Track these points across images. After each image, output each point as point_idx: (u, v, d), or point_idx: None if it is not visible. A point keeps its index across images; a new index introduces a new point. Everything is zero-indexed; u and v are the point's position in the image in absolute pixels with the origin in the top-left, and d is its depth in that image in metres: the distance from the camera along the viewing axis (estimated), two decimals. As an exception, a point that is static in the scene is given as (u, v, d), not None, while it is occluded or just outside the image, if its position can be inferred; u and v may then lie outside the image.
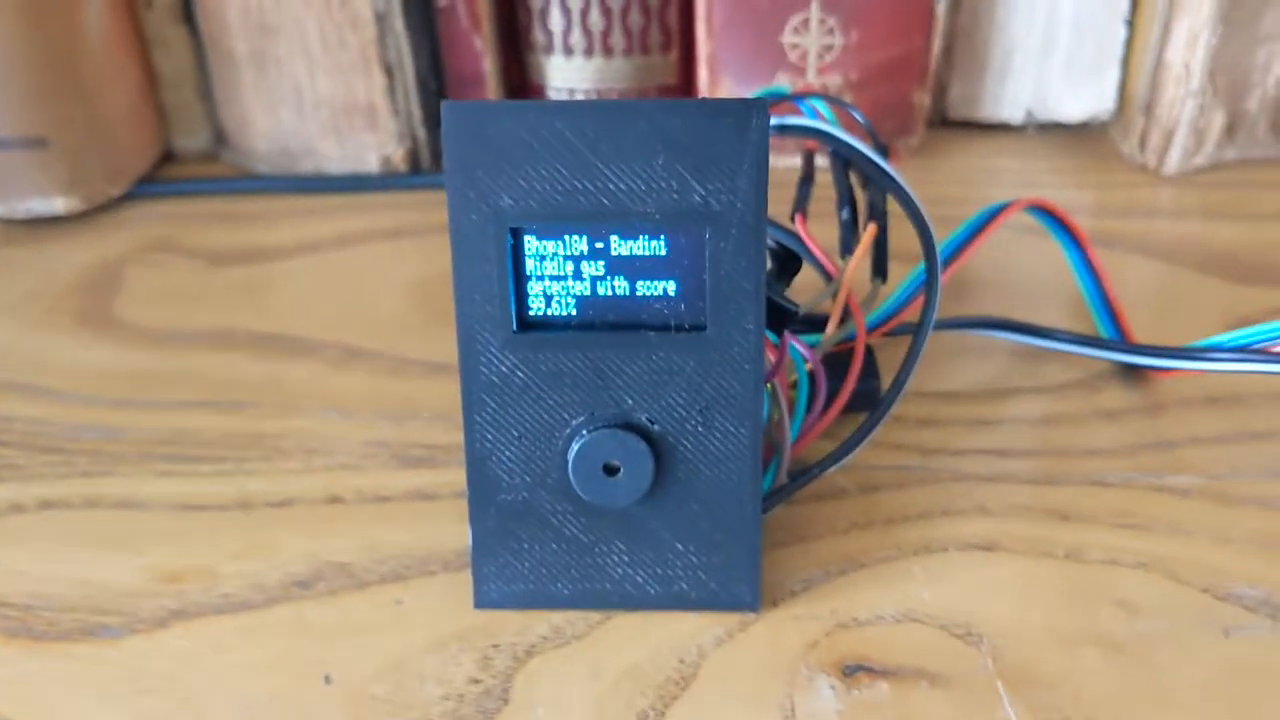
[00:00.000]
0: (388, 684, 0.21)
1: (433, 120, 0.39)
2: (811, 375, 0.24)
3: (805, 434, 0.24)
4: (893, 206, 0.27)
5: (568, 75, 0.38)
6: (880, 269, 0.27)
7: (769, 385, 0.23)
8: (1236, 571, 0.23)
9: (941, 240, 0.26)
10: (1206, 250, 0.34)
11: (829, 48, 0.36)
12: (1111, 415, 0.27)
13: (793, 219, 0.27)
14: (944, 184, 0.38)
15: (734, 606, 0.22)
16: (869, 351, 0.27)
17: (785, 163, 0.35)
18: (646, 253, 0.20)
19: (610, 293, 0.21)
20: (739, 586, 0.22)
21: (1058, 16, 0.38)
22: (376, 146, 0.38)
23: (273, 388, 0.30)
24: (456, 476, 0.26)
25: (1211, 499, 0.25)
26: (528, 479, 0.22)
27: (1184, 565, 0.23)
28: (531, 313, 0.21)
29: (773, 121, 0.28)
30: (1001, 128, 0.41)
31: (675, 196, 0.20)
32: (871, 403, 0.27)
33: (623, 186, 0.20)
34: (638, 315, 0.21)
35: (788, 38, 0.36)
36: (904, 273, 0.28)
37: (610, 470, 0.21)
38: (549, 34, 0.38)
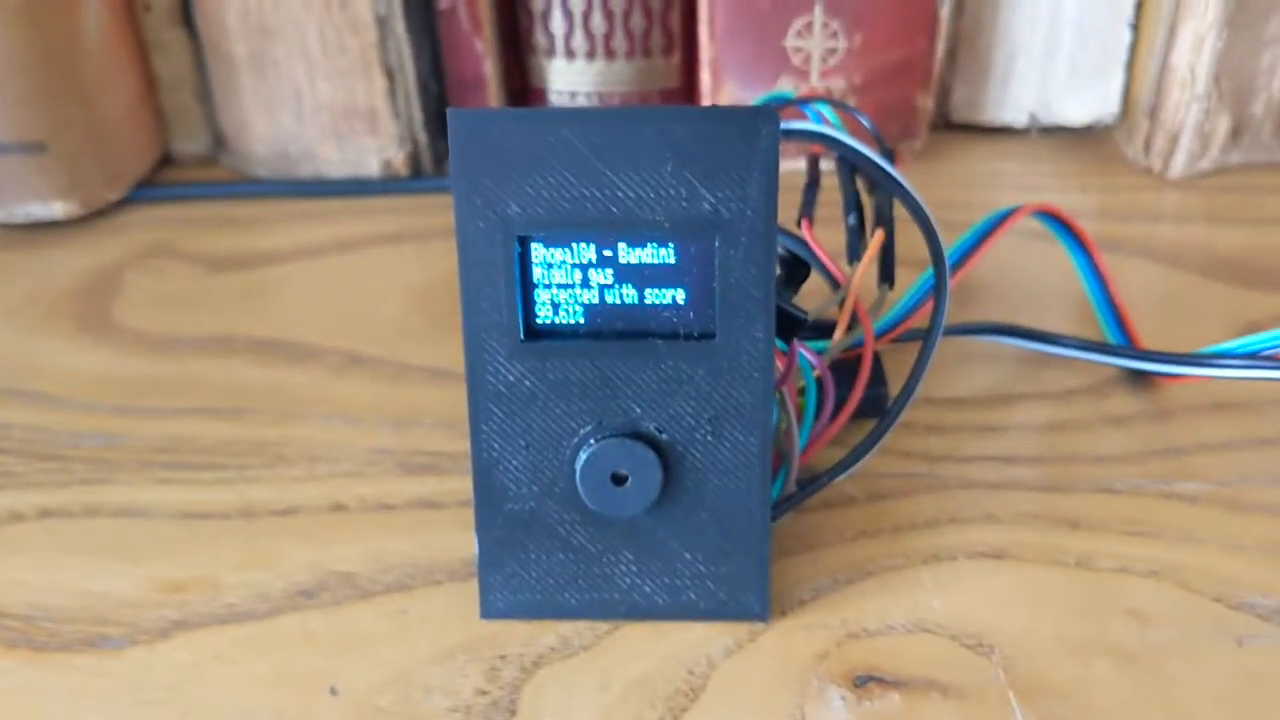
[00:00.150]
0: (393, 695, 0.21)
1: (434, 124, 0.39)
2: (819, 382, 0.24)
3: (813, 442, 0.24)
4: (898, 211, 0.27)
5: (569, 78, 0.38)
6: (887, 275, 0.26)
7: (777, 393, 0.23)
8: (1248, 580, 0.23)
9: (948, 246, 0.26)
10: (1211, 255, 0.34)
11: (832, 51, 0.36)
12: (1119, 422, 0.27)
13: (798, 224, 0.27)
14: (947, 188, 0.38)
15: (743, 616, 0.22)
16: (875, 358, 0.27)
17: (789, 167, 0.35)
18: (655, 261, 0.20)
19: (618, 301, 0.21)
20: (748, 596, 0.22)
21: (1061, 20, 0.38)
22: (377, 150, 0.38)
23: (274, 394, 0.29)
24: (461, 484, 0.26)
25: (1221, 506, 0.25)
26: (535, 488, 0.22)
27: (1195, 574, 0.23)
28: (539, 321, 0.21)
29: (778, 126, 0.27)
30: (1005, 131, 0.40)
31: (684, 204, 0.20)
32: (878, 409, 0.27)
33: (631, 194, 0.20)
34: (646, 324, 0.21)
35: (791, 41, 0.36)
36: (911, 278, 0.27)
37: (618, 479, 0.21)
38: (551, 37, 0.37)
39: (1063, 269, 0.31)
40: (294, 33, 0.36)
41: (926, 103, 0.38)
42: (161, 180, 0.40)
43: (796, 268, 0.25)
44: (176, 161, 0.41)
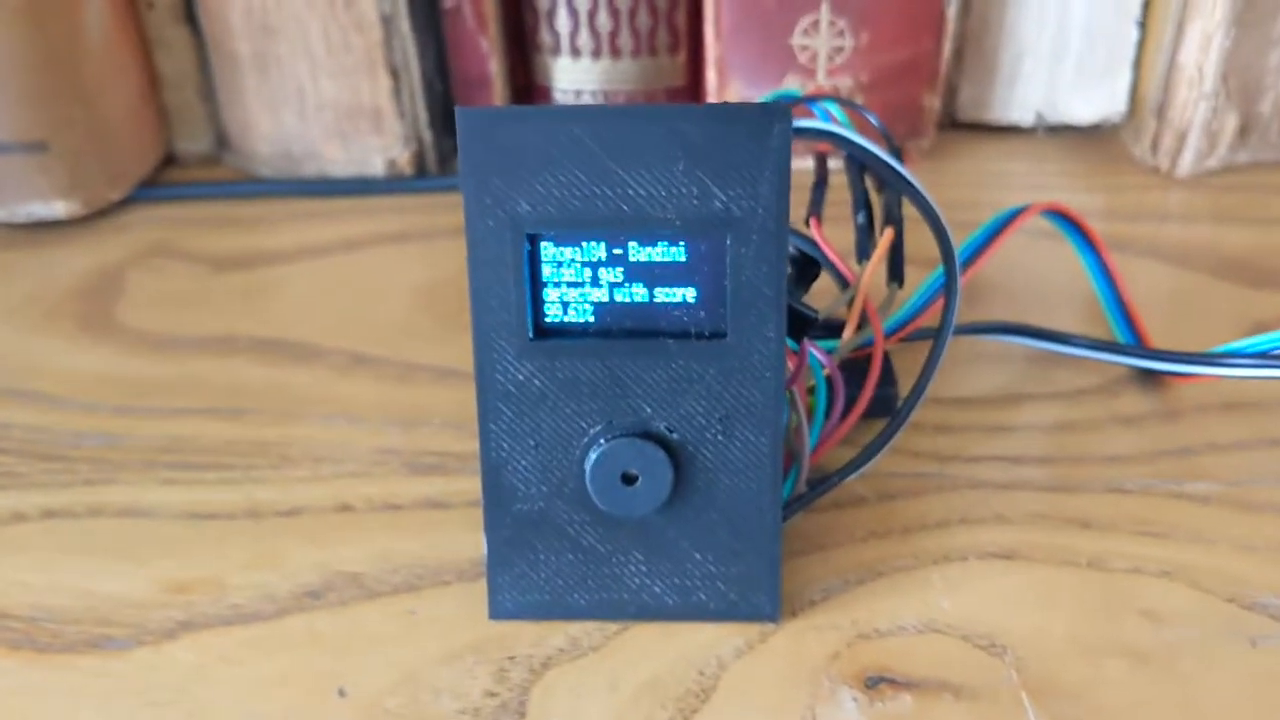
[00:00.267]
0: (402, 697, 0.21)
1: (439, 123, 0.39)
2: (829, 382, 0.24)
3: (823, 441, 0.24)
4: (905, 210, 0.27)
5: (575, 76, 0.38)
6: (897, 273, 0.26)
7: (787, 392, 0.22)
8: (1261, 581, 0.23)
9: (956, 245, 0.26)
10: (1219, 254, 0.34)
11: (839, 50, 0.36)
12: (1129, 421, 0.27)
13: (807, 223, 0.27)
14: (954, 187, 0.38)
15: (753, 617, 0.22)
16: (885, 357, 0.27)
17: (797, 166, 0.34)
18: (666, 259, 0.20)
19: (629, 300, 0.20)
20: (758, 597, 0.22)
21: (1068, 19, 0.38)
22: (382, 149, 0.38)
23: (278, 394, 0.29)
24: (469, 485, 0.26)
25: (1232, 506, 0.25)
26: (544, 488, 0.21)
27: (1207, 574, 0.23)
28: (548, 320, 0.21)
29: (786, 124, 0.27)
30: (1011, 130, 0.40)
31: (695, 202, 0.20)
32: (887, 409, 0.27)
33: (642, 192, 0.20)
34: (656, 322, 0.21)
35: (797, 39, 0.36)
36: (919, 278, 0.27)
37: (628, 479, 0.21)
38: (556, 35, 0.37)
39: (1071, 268, 0.31)
40: (298, 31, 0.36)
41: (933, 102, 0.38)
42: (164, 180, 0.40)
43: (807, 266, 0.25)
44: (179, 161, 0.41)
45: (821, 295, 0.27)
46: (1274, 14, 0.34)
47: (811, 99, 0.29)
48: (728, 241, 0.20)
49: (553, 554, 0.22)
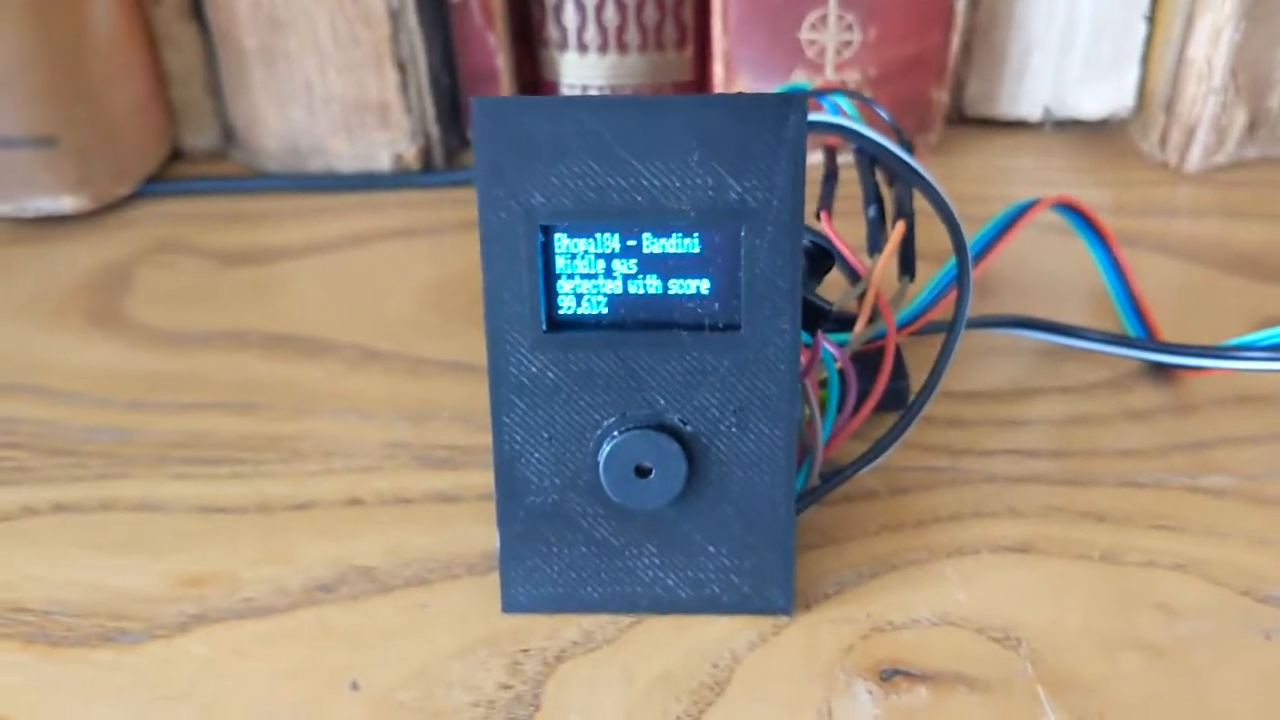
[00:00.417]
0: (415, 690, 0.21)
1: (446, 117, 0.39)
2: (842, 375, 0.24)
3: (836, 435, 0.24)
4: (916, 204, 0.27)
5: (581, 72, 0.38)
6: (908, 267, 0.26)
7: (800, 385, 0.22)
8: (1275, 574, 0.23)
9: (967, 239, 0.26)
10: (1228, 249, 0.34)
11: (847, 44, 0.36)
12: (1141, 415, 0.27)
13: (817, 216, 0.27)
14: (962, 182, 0.37)
15: (767, 610, 0.22)
16: (896, 351, 0.27)
17: (807, 160, 0.34)
18: (680, 250, 0.20)
19: (642, 291, 0.20)
20: (772, 589, 0.22)
21: (1077, 13, 0.38)
22: (389, 144, 0.38)
23: (287, 389, 0.29)
24: (479, 478, 0.26)
25: (1247, 500, 0.24)
26: (557, 481, 0.21)
27: (1222, 567, 0.23)
28: (562, 312, 0.21)
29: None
30: (1019, 125, 0.40)
31: (710, 193, 0.20)
32: (899, 403, 0.26)
33: (656, 183, 0.20)
34: (670, 314, 0.21)
35: (805, 34, 0.36)
36: (930, 272, 0.27)
37: (642, 472, 0.21)
38: (563, 30, 0.37)
39: (1080, 262, 0.31)
40: (305, 25, 0.36)
41: (941, 96, 0.38)
42: (171, 175, 0.40)
43: (820, 259, 0.25)
44: (186, 156, 0.41)
45: (831, 289, 0.27)
46: (1284, 8, 0.34)
47: (821, 93, 0.29)
48: (742, 233, 0.20)
49: (566, 547, 0.22)
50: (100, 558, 0.24)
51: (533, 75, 0.39)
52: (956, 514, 0.24)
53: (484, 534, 0.24)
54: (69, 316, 0.32)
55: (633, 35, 0.37)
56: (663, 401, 0.21)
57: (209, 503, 0.25)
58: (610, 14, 0.37)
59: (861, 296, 0.25)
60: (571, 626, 0.22)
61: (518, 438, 0.21)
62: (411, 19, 0.36)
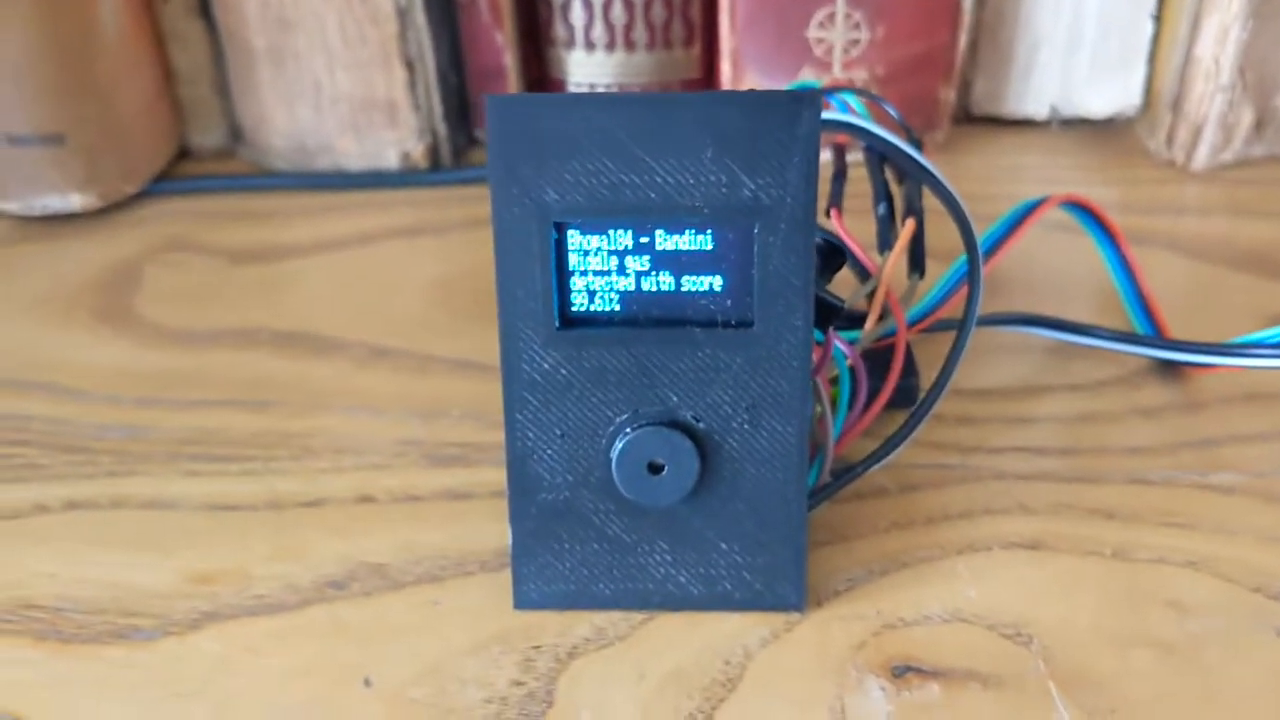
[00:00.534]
0: (428, 687, 0.21)
1: (453, 115, 0.39)
2: (852, 372, 0.24)
3: (846, 432, 0.24)
4: (924, 202, 0.27)
5: (589, 70, 0.38)
6: (918, 265, 0.26)
7: (812, 382, 0.22)
8: (1286, 571, 0.23)
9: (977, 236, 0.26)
10: (1235, 247, 0.34)
11: (855, 42, 0.36)
12: (1150, 413, 0.27)
13: (827, 214, 0.27)
14: (968, 180, 0.37)
15: (779, 607, 0.22)
16: (906, 348, 0.27)
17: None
18: (693, 247, 0.20)
19: (655, 288, 0.20)
20: (784, 586, 0.22)
21: (1084, 11, 0.38)
22: (396, 143, 0.38)
23: (298, 386, 0.29)
24: (490, 475, 0.26)
25: (1256, 497, 0.25)
26: (570, 478, 0.21)
27: (1232, 564, 0.23)
28: (574, 309, 0.21)
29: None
30: (1026, 124, 0.40)
31: (724, 190, 0.20)
32: (909, 400, 0.27)
33: (670, 180, 0.20)
34: (683, 311, 0.21)
35: (813, 32, 0.36)
36: (939, 269, 0.27)
37: (654, 469, 0.21)
38: (570, 28, 0.37)
39: (1087, 260, 0.31)
40: (314, 24, 0.36)
41: (948, 95, 0.38)
42: (179, 173, 0.40)
43: (831, 256, 0.25)
44: (194, 154, 0.41)
45: (841, 286, 0.27)
46: (1291, 6, 0.34)
47: (830, 91, 0.29)
48: (755, 230, 0.20)
49: (578, 544, 0.22)
50: (112, 555, 0.24)
51: (540, 73, 0.39)
52: (967, 511, 0.24)
53: (495, 531, 0.24)
54: (78, 314, 0.33)
55: (640, 33, 0.37)
56: (675, 398, 0.21)
57: (220, 500, 0.25)
58: (618, 12, 0.37)
59: (871, 294, 0.25)
60: (584, 623, 0.22)
61: (530, 434, 0.21)
62: (419, 17, 0.36)
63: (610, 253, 0.20)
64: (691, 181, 0.20)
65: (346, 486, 0.26)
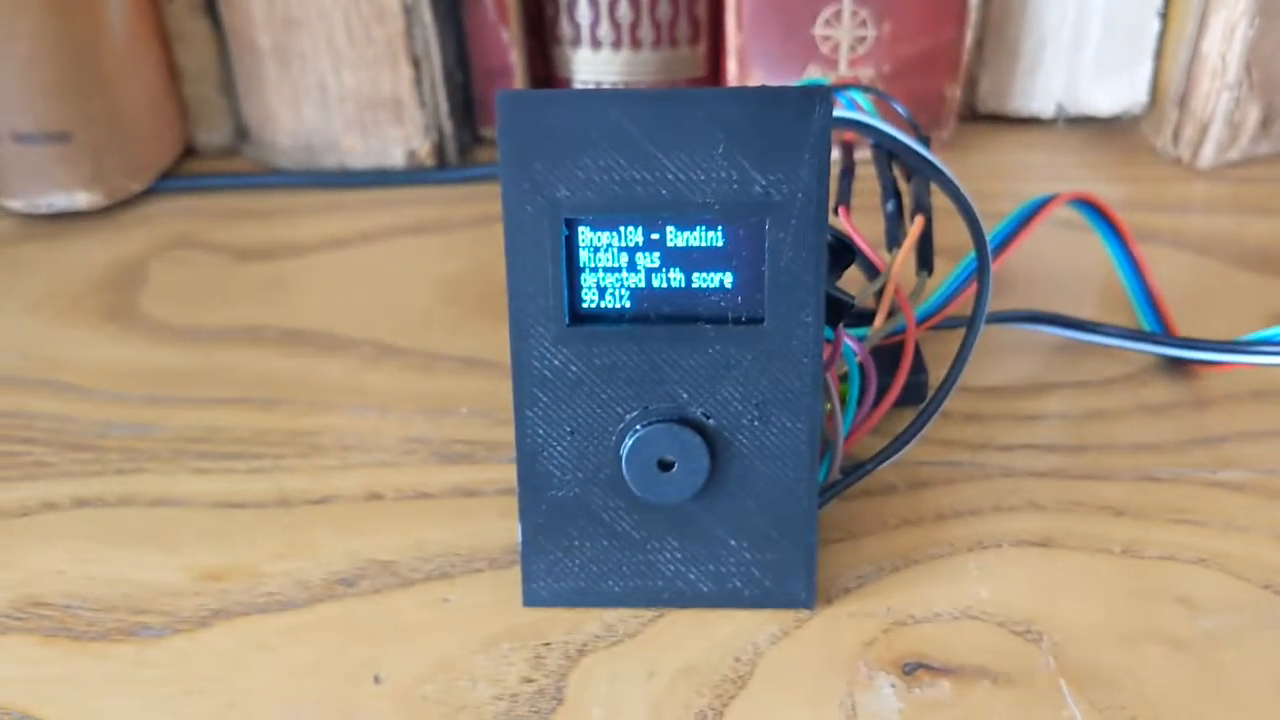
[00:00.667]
0: (438, 684, 0.21)
1: (459, 113, 0.39)
2: (862, 369, 0.24)
3: (856, 429, 0.24)
4: (933, 199, 0.27)
5: (595, 67, 0.38)
6: (926, 262, 0.26)
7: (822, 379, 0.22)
8: (1296, 568, 0.23)
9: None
10: (1242, 245, 0.34)
11: (861, 40, 0.36)
12: (1158, 410, 0.27)
13: (835, 211, 0.27)
14: (974, 178, 0.37)
15: (789, 604, 0.22)
16: (915, 345, 0.27)
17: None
18: (703, 244, 0.20)
19: (665, 285, 0.20)
20: (794, 584, 0.22)
21: (1089, 9, 0.38)
22: (402, 140, 0.38)
23: (305, 384, 0.29)
24: (498, 473, 0.26)
25: (1266, 494, 0.25)
26: (580, 475, 0.21)
27: (1243, 561, 0.23)
28: (585, 305, 0.21)
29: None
30: (1032, 121, 0.40)
31: (735, 187, 0.20)
32: (917, 397, 0.27)
33: (681, 177, 0.20)
34: (693, 308, 0.21)
35: (819, 30, 0.36)
36: (948, 267, 0.27)
37: (664, 466, 0.21)
38: (577, 26, 0.37)
39: (1095, 258, 0.31)
40: (320, 23, 0.36)
41: (955, 92, 0.38)
42: (184, 171, 0.40)
43: (841, 252, 0.25)
44: (199, 153, 0.41)
45: (849, 283, 0.27)
46: (1298, 4, 0.34)
47: (838, 88, 0.29)
48: (766, 226, 0.20)
49: (587, 541, 0.22)
50: (120, 552, 0.24)
51: (545, 71, 0.39)
52: (976, 508, 0.24)
53: (504, 528, 0.24)
54: (84, 312, 0.33)
55: (646, 31, 0.37)
56: (685, 395, 0.21)
57: (228, 498, 0.25)
58: (623, 10, 0.37)
59: (880, 291, 0.25)
60: (593, 620, 0.22)
61: (540, 431, 0.21)
62: (425, 15, 0.36)
63: (621, 249, 0.20)
64: (702, 177, 0.20)
65: (355, 484, 0.26)
